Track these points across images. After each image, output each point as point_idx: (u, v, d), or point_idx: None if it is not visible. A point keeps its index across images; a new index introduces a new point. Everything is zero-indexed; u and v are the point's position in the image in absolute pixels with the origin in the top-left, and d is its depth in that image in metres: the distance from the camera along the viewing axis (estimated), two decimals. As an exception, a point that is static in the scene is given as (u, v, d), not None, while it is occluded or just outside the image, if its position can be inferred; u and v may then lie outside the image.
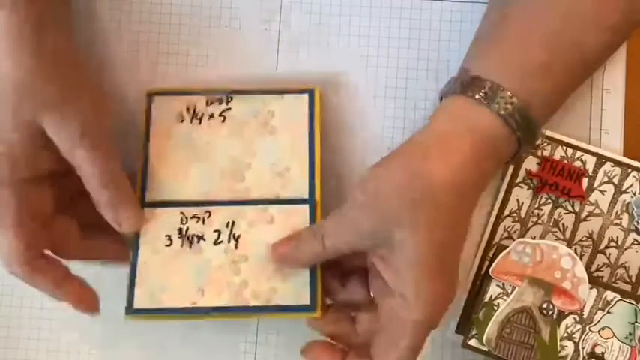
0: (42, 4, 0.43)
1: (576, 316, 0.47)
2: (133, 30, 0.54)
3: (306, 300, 0.45)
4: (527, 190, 0.51)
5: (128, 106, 0.52)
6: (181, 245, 0.47)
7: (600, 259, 0.50)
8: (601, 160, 0.51)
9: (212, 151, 0.49)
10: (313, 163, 0.48)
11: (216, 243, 0.47)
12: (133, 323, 0.51)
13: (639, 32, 0.48)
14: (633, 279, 0.50)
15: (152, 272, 0.46)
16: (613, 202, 0.51)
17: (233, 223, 0.47)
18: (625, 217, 0.50)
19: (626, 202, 0.51)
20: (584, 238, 0.50)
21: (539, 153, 0.51)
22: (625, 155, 0.51)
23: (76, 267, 0.46)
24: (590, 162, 0.51)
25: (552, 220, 0.51)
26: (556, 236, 0.50)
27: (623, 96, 0.52)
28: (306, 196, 0.47)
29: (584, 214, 0.51)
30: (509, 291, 0.48)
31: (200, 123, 0.49)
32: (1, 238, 0.43)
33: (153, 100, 0.50)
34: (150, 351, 0.51)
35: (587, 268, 0.49)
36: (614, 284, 0.50)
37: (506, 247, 0.48)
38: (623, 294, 0.48)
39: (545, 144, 0.51)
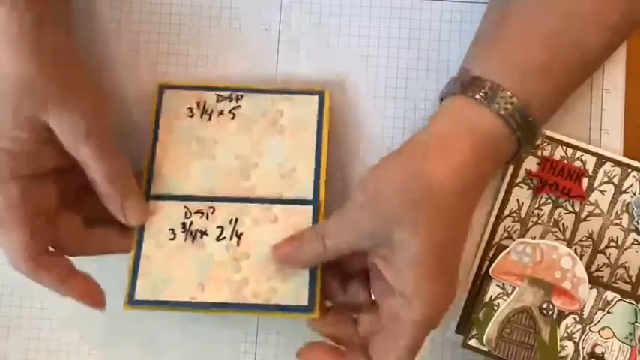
0: (42, 4, 0.43)
1: (576, 316, 0.47)
2: (133, 30, 0.54)
3: (304, 301, 0.45)
4: (527, 190, 0.51)
5: (128, 106, 0.52)
6: (184, 240, 0.47)
7: (600, 259, 0.50)
8: (601, 160, 0.51)
9: (220, 148, 0.49)
10: (319, 165, 0.48)
11: (218, 239, 0.47)
12: (133, 323, 0.51)
13: (639, 32, 0.48)
14: (633, 279, 0.50)
15: (155, 265, 0.46)
16: (613, 202, 0.51)
17: (236, 220, 0.47)
18: (625, 217, 0.50)
19: (626, 202, 0.51)
20: (584, 238, 0.50)
21: (539, 153, 0.51)
22: (625, 155, 0.51)
23: (77, 264, 0.46)
24: (590, 162, 0.51)
25: (552, 220, 0.51)
26: (556, 236, 0.50)
27: (623, 96, 0.52)
28: (310, 197, 0.48)
29: (584, 214, 0.51)
30: (510, 291, 0.48)
31: (210, 119, 0.49)
32: (6, 235, 0.43)
33: (164, 93, 0.50)
34: (150, 351, 0.51)
35: (587, 268, 0.49)
36: (614, 284, 0.50)
37: (506, 247, 0.48)
38: (623, 294, 0.48)
39: (545, 144, 0.51)
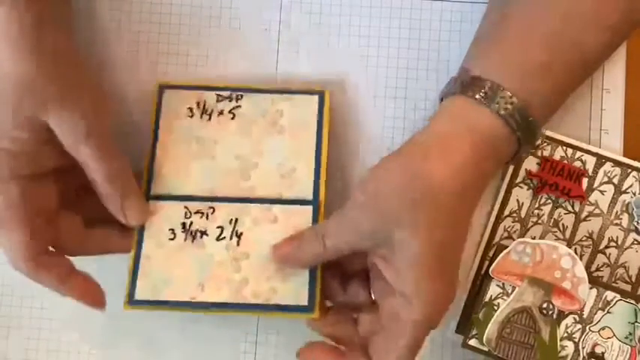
0: (42, 4, 0.43)
1: (576, 316, 0.47)
2: (133, 30, 0.54)
3: (304, 301, 0.45)
4: (527, 190, 0.51)
5: (128, 106, 0.52)
6: (184, 240, 0.47)
7: (600, 259, 0.50)
8: (601, 160, 0.51)
9: (220, 148, 0.49)
10: (319, 165, 0.48)
11: (218, 239, 0.47)
12: (133, 323, 0.51)
13: (639, 32, 0.48)
14: (633, 279, 0.50)
15: (155, 265, 0.46)
16: (613, 202, 0.51)
17: (236, 220, 0.47)
18: (625, 217, 0.50)
19: (626, 202, 0.51)
20: (584, 238, 0.50)
21: (539, 153, 0.51)
22: (625, 155, 0.51)
23: (77, 264, 0.46)
24: (590, 162, 0.51)
25: (552, 220, 0.51)
26: (556, 236, 0.50)
27: (623, 96, 0.52)
28: (310, 197, 0.48)
29: (584, 214, 0.51)
30: (510, 291, 0.48)
31: (210, 119, 0.49)
32: (6, 235, 0.43)
33: (164, 93, 0.50)
34: (150, 351, 0.51)
35: (587, 268, 0.49)
36: (614, 284, 0.50)
37: (506, 247, 0.48)
38: (623, 294, 0.48)
39: (545, 144, 0.51)
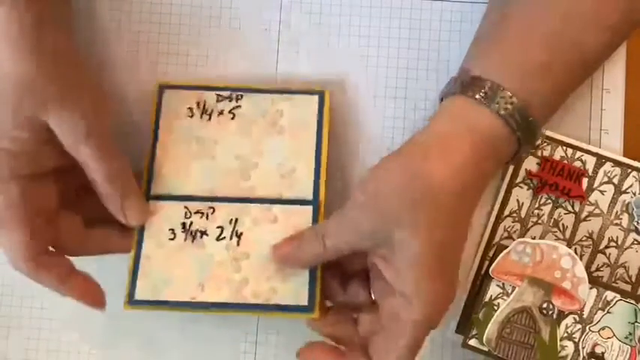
0: (42, 4, 0.43)
1: (576, 316, 0.47)
2: (133, 30, 0.54)
3: (304, 301, 0.45)
4: (527, 190, 0.51)
5: (128, 106, 0.52)
6: (185, 240, 0.47)
7: (600, 259, 0.50)
8: (601, 160, 0.51)
9: (220, 148, 0.49)
10: (319, 165, 0.48)
11: (218, 239, 0.47)
12: (133, 323, 0.51)
13: (639, 32, 0.48)
14: (633, 279, 0.50)
15: (155, 265, 0.46)
16: (613, 202, 0.51)
17: (236, 220, 0.47)
18: (625, 217, 0.50)
19: (626, 202, 0.51)
20: (584, 238, 0.50)
21: (539, 153, 0.51)
22: (625, 155, 0.51)
23: (77, 265, 0.46)
24: (590, 162, 0.51)
25: (552, 220, 0.51)
26: (556, 236, 0.50)
27: (623, 96, 0.52)
28: (310, 197, 0.48)
29: (584, 214, 0.51)
30: (509, 291, 0.48)
31: (210, 119, 0.49)
32: (6, 235, 0.43)
33: (164, 93, 0.50)
34: (150, 351, 0.51)
35: (587, 268, 0.49)
36: (614, 284, 0.50)
37: (506, 247, 0.48)
38: (623, 294, 0.48)
39: (545, 144, 0.51)
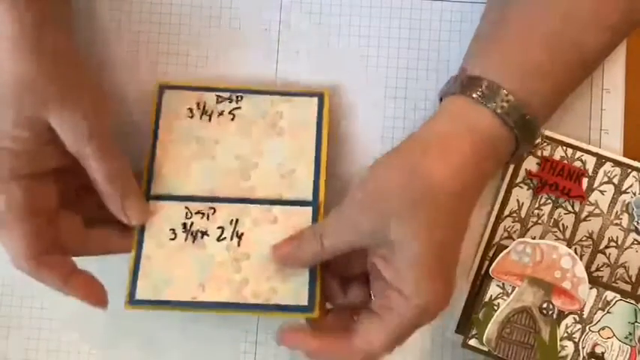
0: (42, 3, 0.43)
1: (576, 316, 0.47)
2: (133, 30, 0.54)
3: (304, 301, 0.45)
4: (527, 190, 0.51)
5: (128, 106, 0.52)
6: (185, 240, 0.47)
7: (600, 259, 0.50)
8: (601, 160, 0.51)
9: (220, 149, 0.49)
10: (319, 166, 0.48)
11: (219, 239, 0.47)
12: (133, 323, 0.51)
13: (639, 32, 0.48)
14: (633, 279, 0.50)
15: (155, 265, 0.46)
16: (613, 202, 0.51)
17: (237, 220, 0.47)
18: (625, 217, 0.50)
19: (626, 202, 0.51)
20: (584, 238, 0.50)
21: (539, 153, 0.51)
22: (625, 155, 0.51)
23: (77, 265, 0.46)
24: (590, 162, 0.51)
25: (552, 220, 0.51)
26: (556, 236, 0.50)
27: (623, 96, 0.52)
28: (310, 198, 0.48)
29: (584, 214, 0.51)
30: (509, 291, 0.48)
31: (210, 120, 0.49)
32: (7, 234, 0.43)
33: (164, 93, 0.50)
34: (150, 351, 0.51)
35: (587, 268, 0.49)
36: (614, 284, 0.50)
37: (506, 247, 0.48)
38: (623, 294, 0.48)
39: (545, 144, 0.51)
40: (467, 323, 0.48)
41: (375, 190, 0.42)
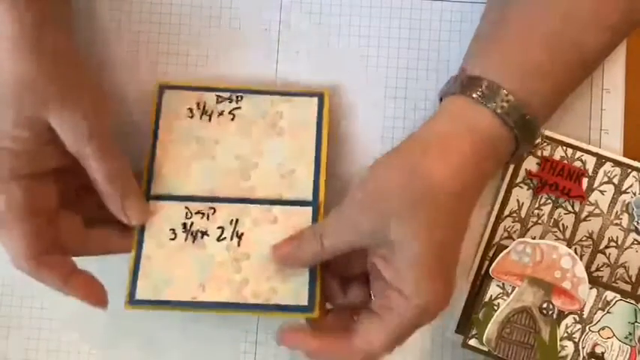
0: (42, 3, 0.43)
1: (576, 316, 0.47)
2: (133, 30, 0.54)
3: (304, 301, 0.45)
4: (527, 190, 0.51)
5: (128, 106, 0.52)
6: (185, 240, 0.47)
7: (600, 259, 0.50)
8: (601, 160, 0.51)
9: (220, 149, 0.49)
10: (319, 166, 0.48)
11: (219, 239, 0.47)
12: (133, 323, 0.51)
13: (639, 32, 0.48)
14: (633, 279, 0.50)
15: (155, 265, 0.46)
16: (613, 202, 0.51)
17: (237, 220, 0.47)
18: (625, 217, 0.50)
19: (626, 202, 0.51)
20: (584, 238, 0.50)
21: (539, 153, 0.51)
22: (625, 155, 0.51)
23: (77, 265, 0.46)
24: (590, 162, 0.51)
25: (552, 220, 0.51)
26: (556, 236, 0.50)
27: (623, 96, 0.52)
28: (310, 198, 0.48)
29: (584, 214, 0.51)
30: (509, 291, 0.48)
31: (210, 120, 0.49)
32: (7, 234, 0.43)
33: (164, 93, 0.50)
34: (150, 351, 0.51)
35: (587, 268, 0.49)
36: (614, 284, 0.50)
37: (506, 247, 0.48)
38: (623, 294, 0.48)
39: (545, 144, 0.51)
40: (467, 323, 0.48)
41: (375, 190, 0.42)
